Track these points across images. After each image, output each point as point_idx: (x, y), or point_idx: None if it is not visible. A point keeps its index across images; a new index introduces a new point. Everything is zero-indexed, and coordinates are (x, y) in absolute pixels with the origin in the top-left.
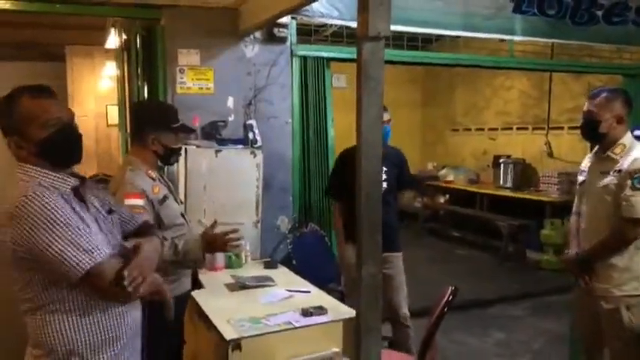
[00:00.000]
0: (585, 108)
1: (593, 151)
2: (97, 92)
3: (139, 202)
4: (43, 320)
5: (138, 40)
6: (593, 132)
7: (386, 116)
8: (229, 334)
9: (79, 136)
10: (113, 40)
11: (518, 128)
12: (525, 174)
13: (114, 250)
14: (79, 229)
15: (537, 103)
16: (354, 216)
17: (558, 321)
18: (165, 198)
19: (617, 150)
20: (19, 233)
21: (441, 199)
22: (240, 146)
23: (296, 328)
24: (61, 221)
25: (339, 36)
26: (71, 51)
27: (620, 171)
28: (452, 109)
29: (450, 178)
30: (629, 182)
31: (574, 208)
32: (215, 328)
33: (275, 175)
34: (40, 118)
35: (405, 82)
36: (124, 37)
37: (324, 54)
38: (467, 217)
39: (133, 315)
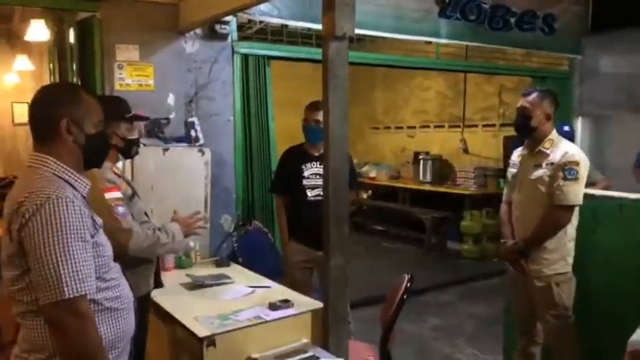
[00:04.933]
0: (519, 104)
1: (524, 146)
2: (0, 88)
3: (119, 194)
4: None
5: (71, 34)
6: (525, 126)
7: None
8: (201, 331)
9: (110, 144)
10: (38, 32)
11: (435, 126)
12: (443, 169)
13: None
14: (86, 252)
15: (453, 102)
16: (296, 213)
17: (486, 304)
18: (133, 194)
19: (547, 144)
20: (30, 230)
21: (364, 195)
22: (186, 144)
23: (267, 321)
24: (75, 237)
25: (280, 34)
26: None
27: (552, 164)
28: (372, 108)
29: (373, 174)
30: (560, 174)
31: (504, 198)
32: (182, 326)
33: (217, 173)
34: (94, 116)
35: None
36: (55, 30)
37: (266, 52)
38: (390, 211)
39: (132, 317)
